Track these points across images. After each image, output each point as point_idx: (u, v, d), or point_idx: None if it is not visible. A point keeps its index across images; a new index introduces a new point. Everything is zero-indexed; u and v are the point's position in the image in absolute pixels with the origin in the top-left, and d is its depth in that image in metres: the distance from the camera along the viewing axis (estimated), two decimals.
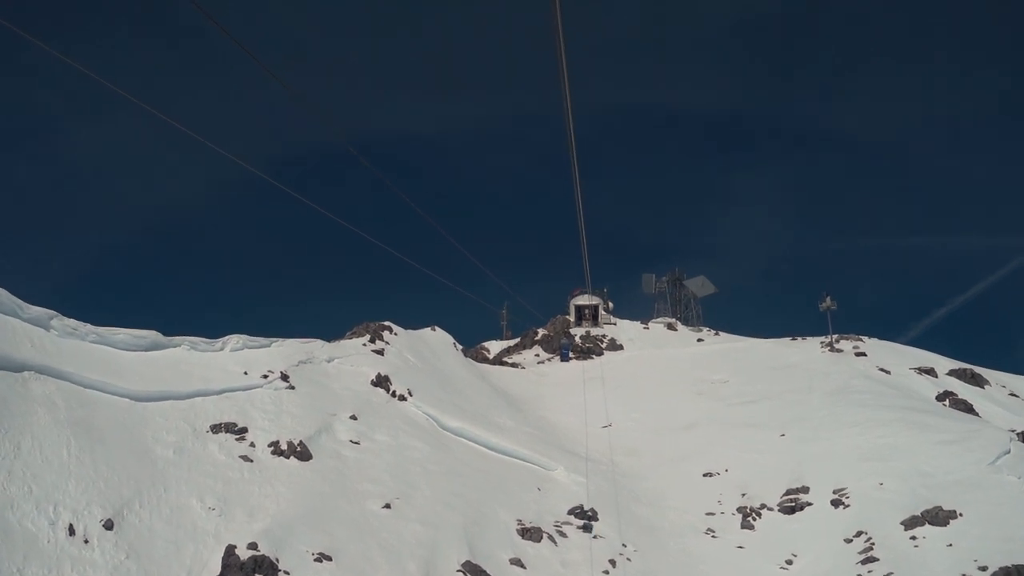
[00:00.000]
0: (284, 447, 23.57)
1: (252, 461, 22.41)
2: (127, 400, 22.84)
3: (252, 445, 23.32)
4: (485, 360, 55.94)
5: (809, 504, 25.75)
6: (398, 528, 20.87)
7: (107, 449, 19.75)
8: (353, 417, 27.79)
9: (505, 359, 56.98)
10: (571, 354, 54.14)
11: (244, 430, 23.93)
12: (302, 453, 23.60)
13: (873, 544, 21.86)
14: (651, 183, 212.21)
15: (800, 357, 46.46)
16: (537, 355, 56.90)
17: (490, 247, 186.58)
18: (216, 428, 23.43)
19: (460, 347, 47.96)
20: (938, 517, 22.18)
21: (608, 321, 64.55)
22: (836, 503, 25.12)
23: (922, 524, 22.14)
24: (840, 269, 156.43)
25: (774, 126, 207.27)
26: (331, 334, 39.34)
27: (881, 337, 51.83)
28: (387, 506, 21.96)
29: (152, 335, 27.92)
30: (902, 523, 22.45)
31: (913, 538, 21.65)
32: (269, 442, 23.67)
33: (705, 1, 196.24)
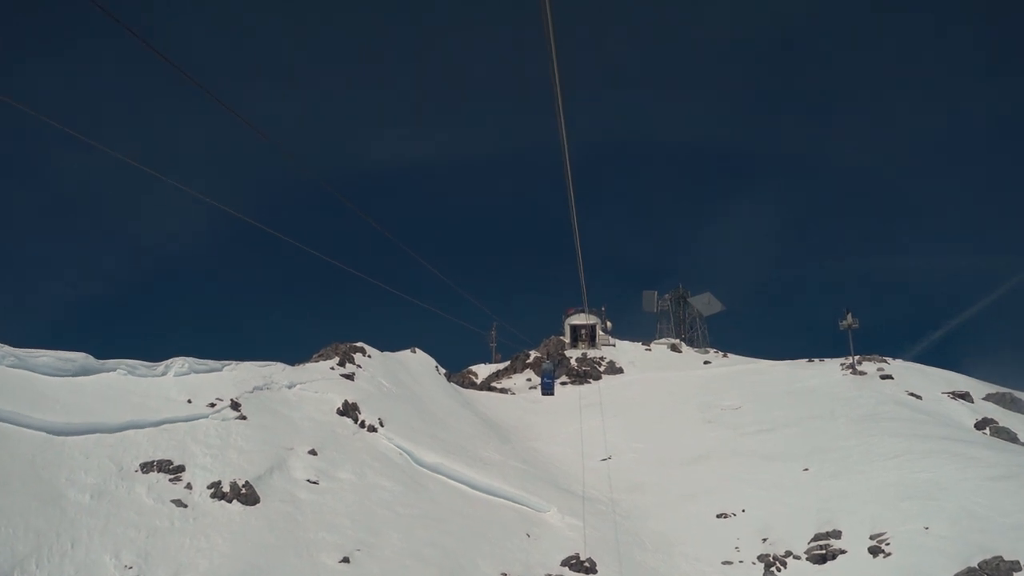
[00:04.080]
0: (227, 489, 20.97)
1: (186, 506, 19.82)
2: (43, 434, 20.45)
3: (188, 487, 20.74)
4: (472, 385, 53.47)
5: (843, 552, 23.18)
6: None
7: (7, 494, 17.25)
8: (312, 452, 25.21)
9: (494, 384, 54.51)
10: (554, 381, 46.26)
11: (180, 469, 21.37)
12: (248, 496, 20.99)
13: None
14: (649, 205, 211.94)
15: (819, 380, 43.99)
16: (529, 379, 54.47)
17: (484, 266, 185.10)
18: (147, 467, 20.88)
19: (443, 371, 45.51)
20: (999, 570, 19.64)
21: (607, 342, 62.10)
22: (875, 551, 22.56)
23: None
24: (839, 290, 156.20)
25: (772, 149, 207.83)
26: (299, 357, 36.90)
27: (885, 355, 49.30)
28: (345, 560, 19.32)
29: (81, 358, 25.45)
30: None
31: None
32: (209, 483, 21.10)
33: (701, 30, 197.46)
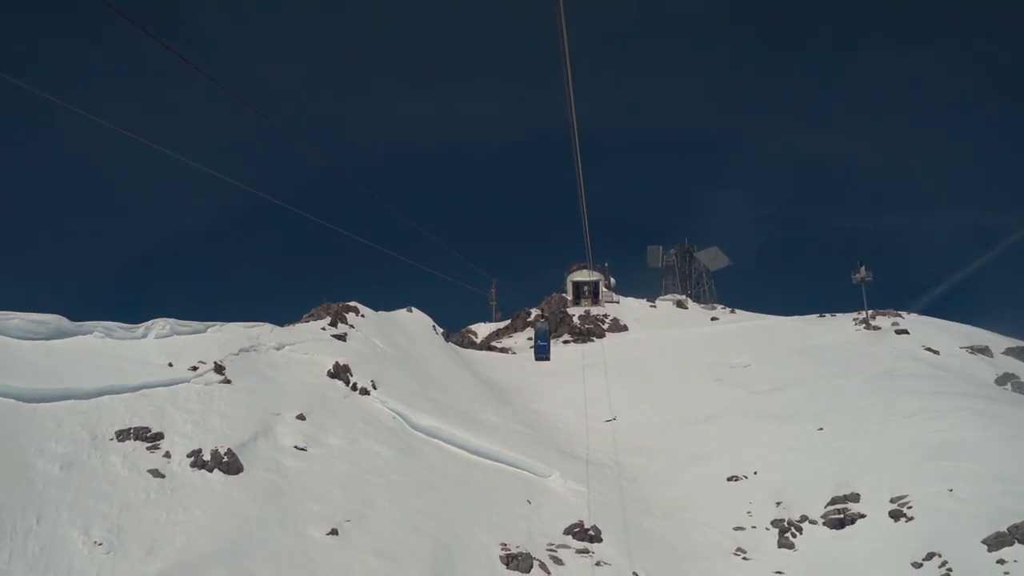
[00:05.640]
0: (207, 457, 20.01)
1: (164, 476, 18.86)
2: (12, 401, 19.49)
3: (167, 456, 19.78)
4: (472, 345, 52.60)
5: (862, 516, 22.33)
6: (345, 561, 17.33)
7: None
8: (301, 417, 24.28)
9: (494, 343, 53.65)
10: (550, 343, 33.63)
11: (159, 436, 20.41)
12: (230, 465, 20.06)
13: (950, 570, 18.51)
14: (654, 160, 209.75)
15: (832, 336, 43.09)
16: (530, 338, 53.43)
17: (486, 223, 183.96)
18: (123, 435, 19.91)
19: (441, 331, 44.56)
20: None
21: (610, 299, 61.08)
22: (896, 515, 21.68)
23: (1011, 543, 18.72)
24: (846, 243, 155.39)
25: (777, 104, 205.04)
26: (290, 319, 35.86)
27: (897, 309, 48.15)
28: (333, 532, 18.41)
29: (55, 320, 24.42)
30: (984, 542, 19.02)
31: (1001, 561, 18.26)
32: (189, 451, 20.13)
33: None
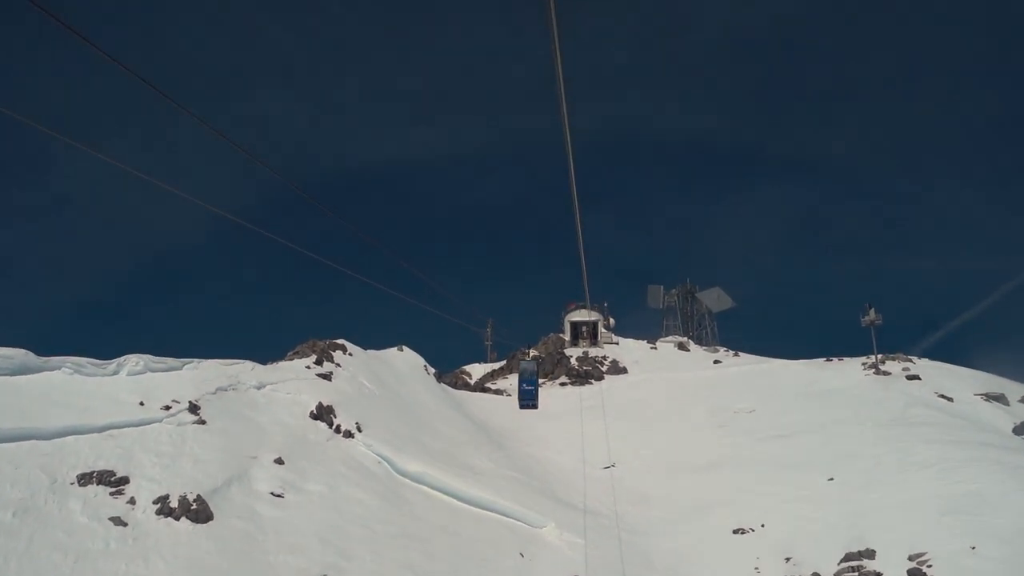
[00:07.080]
0: (175, 504, 18.98)
1: (126, 525, 17.85)
2: None
3: (131, 502, 18.77)
4: (465, 386, 51.51)
5: (878, 574, 21.14)
6: None
7: None
8: (279, 461, 23.22)
9: (488, 385, 52.54)
10: (538, 387, 26.58)
11: (124, 481, 19.40)
12: (199, 512, 18.99)
13: None
14: (655, 200, 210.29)
15: (840, 381, 42.06)
16: None
17: (483, 262, 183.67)
18: (85, 479, 18.91)
19: (433, 371, 43.54)
20: None
21: (609, 340, 60.03)
22: (915, 573, 20.50)
23: None
24: (851, 286, 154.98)
25: (780, 144, 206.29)
26: (277, 356, 34.79)
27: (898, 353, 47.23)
28: None
29: (20, 355, 23.48)
30: None
31: None
32: (155, 497, 19.10)
33: (705, 25, 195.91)
